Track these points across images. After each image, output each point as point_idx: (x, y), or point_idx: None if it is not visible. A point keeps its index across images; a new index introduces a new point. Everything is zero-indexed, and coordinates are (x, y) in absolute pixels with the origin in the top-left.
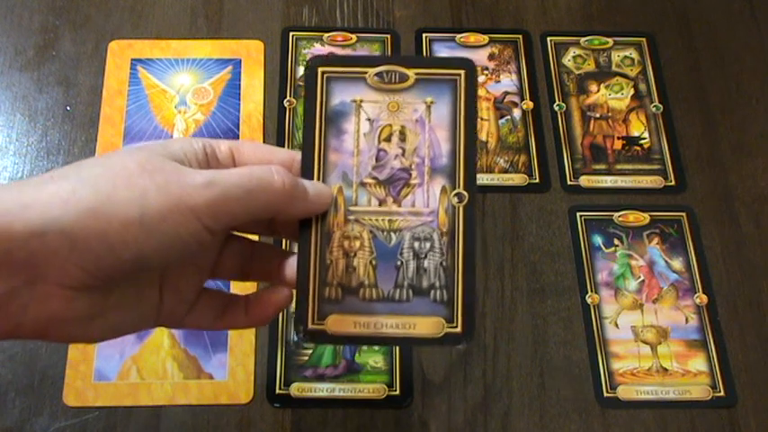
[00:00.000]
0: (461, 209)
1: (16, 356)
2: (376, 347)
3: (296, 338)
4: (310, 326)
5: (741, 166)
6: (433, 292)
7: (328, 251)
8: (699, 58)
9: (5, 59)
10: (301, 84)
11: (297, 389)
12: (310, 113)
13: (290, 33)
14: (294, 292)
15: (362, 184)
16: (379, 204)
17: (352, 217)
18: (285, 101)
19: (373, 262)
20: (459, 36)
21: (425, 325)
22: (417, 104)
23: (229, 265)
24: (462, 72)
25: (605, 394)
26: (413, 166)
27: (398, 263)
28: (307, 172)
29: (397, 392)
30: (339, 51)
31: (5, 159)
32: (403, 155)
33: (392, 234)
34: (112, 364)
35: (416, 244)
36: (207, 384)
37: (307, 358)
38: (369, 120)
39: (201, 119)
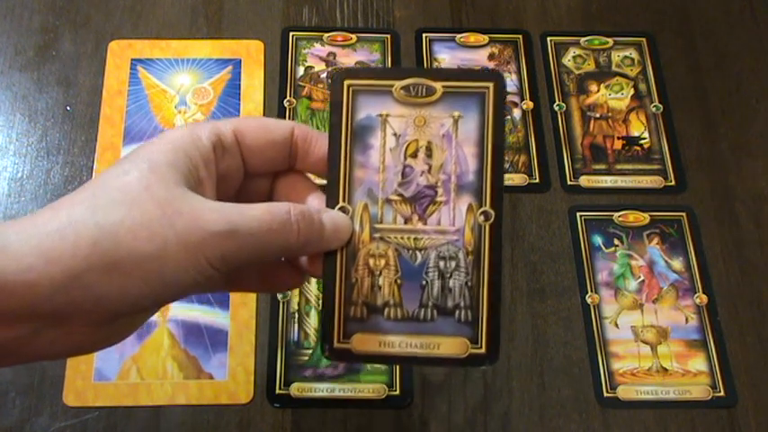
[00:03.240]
0: (488, 227)
1: None
2: None
3: (324, 356)
4: (336, 345)
5: (741, 166)
6: (457, 312)
7: (354, 269)
8: (699, 58)
9: (5, 59)
10: (301, 84)
11: (297, 389)
12: (336, 128)
13: (290, 33)
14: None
15: (388, 201)
16: (405, 222)
17: (377, 235)
18: (285, 101)
19: (398, 281)
20: (459, 36)
21: (449, 345)
22: (444, 119)
23: None
24: (491, 85)
25: (605, 394)
26: (439, 183)
27: (423, 282)
28: (332, 189)
29: (397, 392)
30: (339, 51)
31: (5, 159)
32: (429, 171)
33: (417, 252)
34: (112, 364)
35: (442, 263)
36: (207, 384)
37: (307, 358)
38: (395, 135)
39: (201, 119)
